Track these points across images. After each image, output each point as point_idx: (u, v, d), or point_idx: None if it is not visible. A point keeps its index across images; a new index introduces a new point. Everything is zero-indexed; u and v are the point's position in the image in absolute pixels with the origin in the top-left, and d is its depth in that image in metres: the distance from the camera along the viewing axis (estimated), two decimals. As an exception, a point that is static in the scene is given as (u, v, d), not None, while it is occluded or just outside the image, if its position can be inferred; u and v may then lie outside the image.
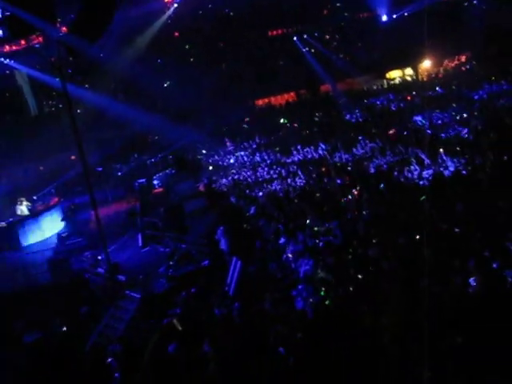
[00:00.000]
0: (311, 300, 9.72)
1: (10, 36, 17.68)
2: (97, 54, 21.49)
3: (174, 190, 22.54)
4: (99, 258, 16.17)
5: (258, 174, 20.52)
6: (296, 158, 21.47)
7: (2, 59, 22.72)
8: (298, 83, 31.43)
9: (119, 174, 26.93)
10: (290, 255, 12.88)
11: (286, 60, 31.55)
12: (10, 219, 20.02)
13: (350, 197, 14.95)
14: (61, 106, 28.19)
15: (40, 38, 20.74)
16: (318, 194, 16.38)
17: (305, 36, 31.99)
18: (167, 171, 25.51)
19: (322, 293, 9.97)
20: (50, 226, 20.31)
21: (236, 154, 24.29)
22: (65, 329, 12.03)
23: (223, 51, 29.33)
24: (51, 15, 15.56)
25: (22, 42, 21.64)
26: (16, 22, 16.03)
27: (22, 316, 13.08)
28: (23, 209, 20.27)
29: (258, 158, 22.58)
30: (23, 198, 20.63)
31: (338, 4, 31.41)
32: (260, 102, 32.36)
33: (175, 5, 23.50)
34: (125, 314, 13.51)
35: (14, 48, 22.34)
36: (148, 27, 24.20)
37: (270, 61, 30.95)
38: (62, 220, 20.77)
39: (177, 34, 28.53)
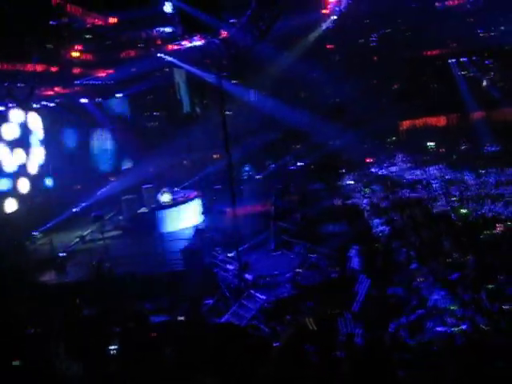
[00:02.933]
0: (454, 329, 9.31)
1: (182, 31, 18.57)
2: (256, 55, 22.05)
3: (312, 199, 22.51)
4: (230, 255, 16.59)
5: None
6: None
7: (164, 55, 23.86)
8: (447, 107, 30.28)
9: (258, 176, 27.47)
10: (420, 281, 12.47)
11: (438, 82, 30.53)
12: (153, 206, 21.25)
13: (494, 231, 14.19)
14: (212, 105, 29.20)
15: (202, 39, 21.62)
16: (459, 223, 15.71)
17: (462, 59, 30.77)
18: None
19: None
20: (187, 218, 21.14)
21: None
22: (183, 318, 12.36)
23: (375, 66, 28.93)
24: (218, 14, 16.32)
25: (186, 41, 22.61)
26: (188, 19, 16.90)
27: (152, 298, 13.61)
28: (165, 198, 21.39)
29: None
30: (166, 189, 21.74)
31: (502, 28, 29.71)
32: (405, 123, 31.59)
33: (334, 17, 23.50)
34: (246, 313, 13.72)
35: (175, 47, 23.40)
36: (304, 36, 24.42)
37: (422, 82, 30.11)
38: (202, 213, 21.52)
39: (330, 46, 28.60)
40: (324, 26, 23.75)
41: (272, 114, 26.42)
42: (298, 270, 15.06)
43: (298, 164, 28.32)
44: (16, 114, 20.67)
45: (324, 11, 22.39)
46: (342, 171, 26.57)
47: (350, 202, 21.76)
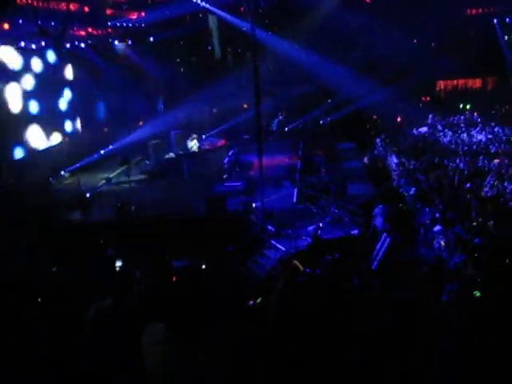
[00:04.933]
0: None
1: None
2: (293, 4, 21.62)
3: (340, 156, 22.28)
4: (254, 205, 16.60)
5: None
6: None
7: (199, 1, 23.51)
8: (487, 69, 29.38)
9: (286, 129, 27.30)
10: (442, 244, 12.33)
11: (479, 43, 29.51)
12: (180, 152, 21.29)
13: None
14: (245, 54, 28.85)
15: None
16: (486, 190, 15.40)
17: (507, 20, 29.60)
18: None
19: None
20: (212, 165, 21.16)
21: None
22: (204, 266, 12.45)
23: (416, 22, 28.03)
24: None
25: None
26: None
27: (175, 242, 13.71)
28: (193, 145, 21.41)
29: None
30: (195, 135, 21.74)
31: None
32: (442, 83, 30.86)
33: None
34: (267, 263, 13.82)
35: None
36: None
37: (463, 41, 29.14)
38: (226, 163, 21.52)
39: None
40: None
41: (306, 66, 25.98)
42: (319, 223, 15.01)
43: (328, 119, 28.02)
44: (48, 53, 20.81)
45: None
46: (371, 129, 26.19)
47: (377, 161, 21.52)
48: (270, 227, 15.25)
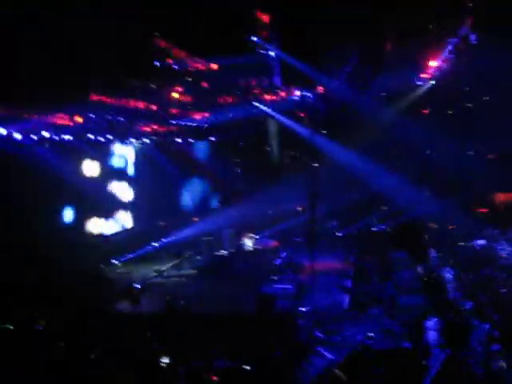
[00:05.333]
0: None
1: (281, 82, 19.19)
2: (353, 110, 22.18)
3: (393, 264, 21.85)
4: (304, 309, 16.33)
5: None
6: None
7: (259, 105, 24.40)
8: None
9: (340, 234, 27.16)
10: (504, 365, 11.70)
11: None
12: (232, 250, 21.50)
13: None
14: (301, 158, 29.37)
15: (298, 91, 21.97)
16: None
17: None
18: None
19: None
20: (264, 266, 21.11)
21: None
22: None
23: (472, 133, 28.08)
24: (318, 67, 16.61)
25: (283, 93, 23.05)
26: (288, 70, 17.38)
27: (220, 341, 13.49)
28: (249, 242, 21.61)
29: None
30: (253, 235, 21.97)
31: None
32: (501, 196, 30.29)
33: (432, 82, 23.26)
34: (312, 370, 13.34)
35: (271, 98, 23.89)
36: (401, 97, 24.21)
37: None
38: (278, 264, 21.46)
39: (426, 110, 28.15)
40: (422, 89, 23.52)
41: (361, 173, 26.18)
42: (370, 333, 14.53)
43: (382, 227, 27.78)
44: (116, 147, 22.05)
45: (423, 75, 22.22)
46: (425, 240, 25.70)
47: (432, 272, 20.94)
48: (318, 333, 14.86)
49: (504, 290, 16.45)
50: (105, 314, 15.69)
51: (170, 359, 11.46)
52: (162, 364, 10.97)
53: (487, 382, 11.22)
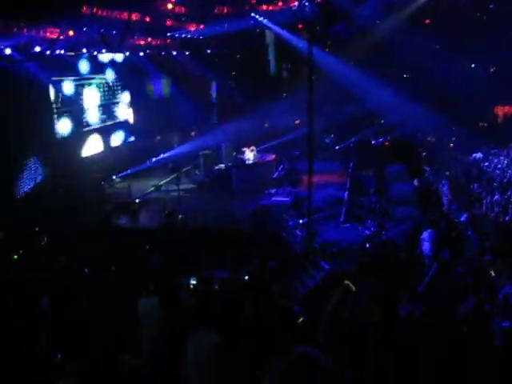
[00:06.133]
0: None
1: None
2: (353, 22, 21.56)
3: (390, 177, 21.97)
4: (300, 221, 16.56)
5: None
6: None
7: (258, 16, 23.71)
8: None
9: (337, 147, 27.17)
10: (493, 274, 11.96)
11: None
12: (230, 164, 21.56)
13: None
14: (299, 71, 28.86)
15: (295, 1, 21.29)
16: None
17: None
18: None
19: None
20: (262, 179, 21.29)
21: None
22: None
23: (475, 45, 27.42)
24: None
25: (280, 2, 22.36)
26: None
27: (219, 253, 13.75)
28: (250, 156, 21.67)
29: None
30: (254, 147, 21.99)
31: None
32: (500, 109, 30.06)
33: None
34: (309, 281, 13.66)
35: (270, 8, 23.17)
36: (403, 6, 23.40)
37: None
38: (275, 177, 21.59)
39: (428, 19, 27.35)
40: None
41: (360, 86, 25.82)
42: (366, 244, 14.83)
43: (379, 140, 27.73)
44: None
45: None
46: (423, 153, 25.72)
47: (428, 185, 21.09)
48: (315, 244, 15.13)
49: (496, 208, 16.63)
50: (106, 227, 15.96)
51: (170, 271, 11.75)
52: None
53: (477, 290, 11.54)
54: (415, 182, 21.46)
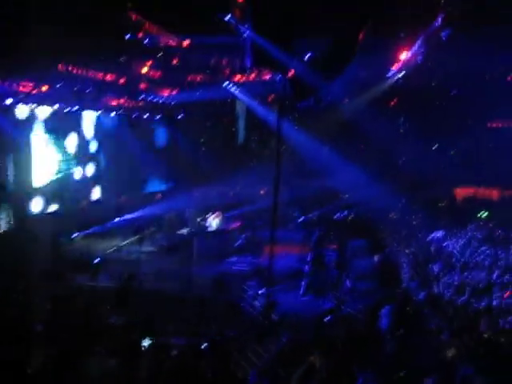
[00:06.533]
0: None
1: (252, 63, 19.15)
2: (322, 97, 22.24)
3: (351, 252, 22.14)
4: (259, 292, 16.47)
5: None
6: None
7: (231, 86, 24.30)
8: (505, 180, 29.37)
9: (300, 219, 27.34)
10: (450, 354, 12.00)
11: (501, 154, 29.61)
12: (193, 230, 21.51)
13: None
14: (267, 142, 29.39)
15: (268, 74, 21.95)
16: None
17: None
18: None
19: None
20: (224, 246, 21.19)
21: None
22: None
23: (437, 129, 28.43)
24: (291, 50, 16.58)
25: (253, 74, 22.99)
26: (259, 51, 17.33)
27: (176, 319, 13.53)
28: (213, 223, 21.67)
29: None
30: (220, 213, 22.01)
31: None
32: (459, 191, 30.92)
33: (402, 73, 23.45)
34: (265, 352, 13.48)
35: (243, 79, 23.79)
36: (371, 87, 24.32)
37: (483, 152, 29.39)
38: (237, 246, 21.55)
39: (393, 102, 28.38)
40: (391, 80, 23.72)
41: (325, 161, 26.36)
42: (325, 317, 14.76)
43: (342, 214, 28.04)
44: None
45: (393, 67, 22.44)
46: (384, 229, 26.08)
47: (388, 261, 21.28)
48: (273, 316, 15.01)
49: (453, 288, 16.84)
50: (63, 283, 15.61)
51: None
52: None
53: (437, 370, 11.52)
54: (376, 258, 21.65)
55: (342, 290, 17.32)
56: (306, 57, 19.60)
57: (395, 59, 21.74)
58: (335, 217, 28.10)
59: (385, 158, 28.26)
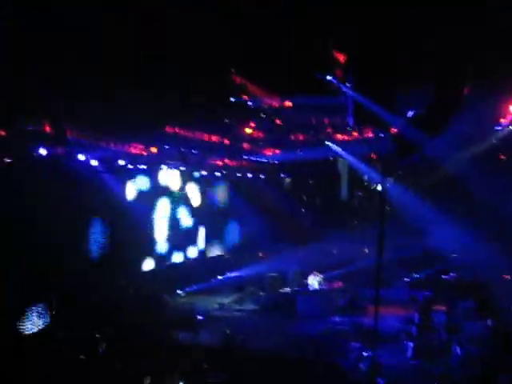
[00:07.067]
0: None
1: (355, 122, 19.26)
2: (426, 154, 21.76)
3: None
4: (365, 354, 15.90)
5: None
6: None
7: (331, 144, 24.39)
8: None
9: (406, 279, 26.42)
10: None
11: None
12: (296, 288, 21.35)
13: None
14: (370, 198, 28.99)
15: (371, 132, 21.90)
16: None
17: None
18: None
19: None
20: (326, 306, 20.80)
21: None
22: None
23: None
24: (393, 108, 16.47)
25: (355, 133, 23.00)
26: (361, 111, 17.40)
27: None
28: (315, 282, 21.42)
29: None
30: (320, 274, 21.79)
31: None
32: None
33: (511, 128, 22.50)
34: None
35: (346, 138, 23.86)
36: (478, 141, 23.46)
37: None
38: (340, 305, 21.12)
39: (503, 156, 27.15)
40: (499, 135, 22.79)
41: (430, 219, 25.55)
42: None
43: (452, 275, 26.82)
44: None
45: (502, 120, 21.61)
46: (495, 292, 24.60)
47: (504, 326, 19.94)
48: (379, 380, 14.40)
49: None
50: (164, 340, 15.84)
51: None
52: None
53: None
54: (489, 322, 20.38)
55: (453, 355, 16.31)
56: (409, 114, 19.36)
57: (504, 112, 20.94)
58: (444, 277, 26.95)
59: (493, 216, 26.92)
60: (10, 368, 11.28)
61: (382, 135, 20.00)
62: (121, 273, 19.20)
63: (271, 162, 26.34)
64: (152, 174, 21.11)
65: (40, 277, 15.01)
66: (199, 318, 18.22)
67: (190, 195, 24.17)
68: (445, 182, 25.20)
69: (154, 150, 19.10)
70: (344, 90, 20.09)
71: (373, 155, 24.99)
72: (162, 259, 22.49)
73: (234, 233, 26.73)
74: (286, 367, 14.34)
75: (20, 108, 14.22)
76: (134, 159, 18.92)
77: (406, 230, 26.57)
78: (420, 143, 19.64)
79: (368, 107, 18.83)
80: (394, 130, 19.66)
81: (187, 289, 22.07)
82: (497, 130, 22.50)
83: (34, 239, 14.70)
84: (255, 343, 16.00)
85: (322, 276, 22.06)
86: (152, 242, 22.00)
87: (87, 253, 18.40)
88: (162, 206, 22.46)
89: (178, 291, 21.86)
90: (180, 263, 23.73)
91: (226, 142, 21.44)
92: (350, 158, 26.02)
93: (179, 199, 23.71)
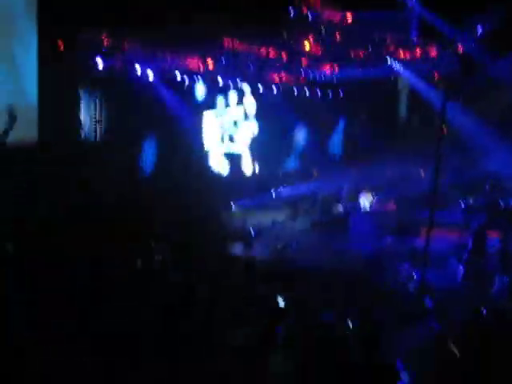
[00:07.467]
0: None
1: (418, 39, 18.51)
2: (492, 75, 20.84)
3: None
4: (414, 274, 15.97)
5: None
6: None
7: (394, 65, 23.60)
8: None
9: (462, 203, 26.03)
10: None
11: None
12: (349, 208, 21.46)
13: None
14: (429, 121, 28.22)
15: (435, 50, 21.01)
16: None
17: None
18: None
19: None
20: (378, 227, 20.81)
21: None
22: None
23: None
24: (460, 24, 15.72)
25: (418, 51, 22.13)
26: (426, 26, 16.65)
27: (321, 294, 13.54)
28: (366, 203, 21.41)
29: None
30: (373, 193, 21.72)
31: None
32: None
33: None
34: (419, 336, 13.08)
35: (408, 55, 23.00)
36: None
37: None
38: (393, 226, 21.09)
39: None
40: None
41: (491, 144, 24.78)
42: (483, 310, 13.97)
43: (510, 203, 26.18)
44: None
45: None
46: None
47: None
48: (428, 301, 14.49)
49: None
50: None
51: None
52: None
53: None
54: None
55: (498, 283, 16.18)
56: (477, 32, 18.41)
57: None
58: (502, 204, 26.36)
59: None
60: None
61: (447, 53, 19.12)
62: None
63: (330, 78, 25.71)
64: (209, 88, 21.16)
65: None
66: (252, 232, 18.60)
67: (246, 110, 24.09)
68: (509, 107, 24.22)
69: (210, 66, 18.92)
70: (408, 3, 19.26)
71: (436, 75, 24.08)
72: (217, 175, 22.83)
73: (287, 150, 26.66)
74: (335, 283, 14.63)
75: (80, 19, 14.24)
76: (190, 73, 18.84)
77: (465, 153, 25.96)
78: (486, 64, 18.75)
79: (433, 23, 17.99)
80: (459, 49, 18.78)
81: (240, 202, 22.39)
82: None
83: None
84: (306, 259, 16.30)
85: (374, 195, 21.96)
86: (207, 157, 22.30)
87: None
88: (219, 121, 22.61)
89: (232, 205, 22.20)
90: (234, 178, 23.98)
91: (284, 56, 20.97)
92: (412, 77, 25.23)
93: (238, 115, 23.78)
